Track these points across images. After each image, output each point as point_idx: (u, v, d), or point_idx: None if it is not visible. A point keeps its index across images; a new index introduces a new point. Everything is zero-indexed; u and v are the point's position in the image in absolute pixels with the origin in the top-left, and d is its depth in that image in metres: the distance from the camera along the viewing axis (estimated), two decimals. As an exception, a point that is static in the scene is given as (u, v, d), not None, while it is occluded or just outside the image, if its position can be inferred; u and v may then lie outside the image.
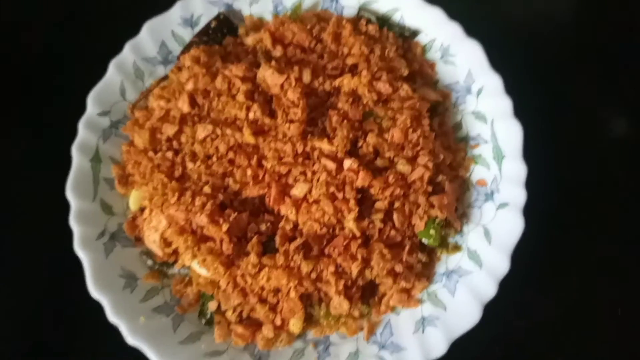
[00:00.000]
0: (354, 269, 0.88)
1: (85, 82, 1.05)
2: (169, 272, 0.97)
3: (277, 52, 1.05)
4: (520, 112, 0.97)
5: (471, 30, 1.04)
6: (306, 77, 0.99)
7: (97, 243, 0.94)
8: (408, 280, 0.92)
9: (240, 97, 0.97)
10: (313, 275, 0.88)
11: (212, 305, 0.92)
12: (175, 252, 0.95)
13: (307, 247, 0.89)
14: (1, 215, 1.12)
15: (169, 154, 0.98)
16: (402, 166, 0.93)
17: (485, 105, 1.02)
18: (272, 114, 0.97)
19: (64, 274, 0.92)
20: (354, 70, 1.03)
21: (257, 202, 0.94)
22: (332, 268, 0.88)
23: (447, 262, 0.96)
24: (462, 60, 1.05)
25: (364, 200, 0.93)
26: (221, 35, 1.11)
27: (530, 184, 0.92)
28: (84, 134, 1.01)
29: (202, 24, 1.12)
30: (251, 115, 0.96)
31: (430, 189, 0.94)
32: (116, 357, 0.89)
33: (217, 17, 1.11)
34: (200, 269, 0.91)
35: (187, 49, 1.09)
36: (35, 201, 1.10)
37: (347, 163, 0.91)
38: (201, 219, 0.89)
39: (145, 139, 0.99)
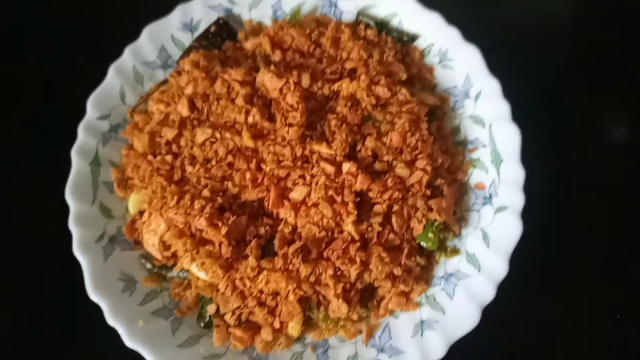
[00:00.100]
0: (353, 272, 0.88)
1: (85, 84, 1.06)
2: (168, 276, 0.97)
3: (276, 56, 1.05)
4: (518, 116, 0.97)
5: (469, 35, 1.04)
6: (305, 81, 0.99)
7: (96, 246, 0.95)
8: (407, 284, 0.92)
9: (240, 101, 0.98)
10: (312, 279, 0.88)
11: (210, 309, 0.92)
12: (174, 256, 0.95)
13: (306, 251, 0.90)
14: (1, 216, 1.13)
15: (168, 158, 0.98)
16: (401, 170, 0.94)
17: (484, 110, 1.02)
18: (271, 118, 0.98)
19: (64, 274, 0.92)
20: (352, 74, 1.04)
21: (256, 206, 0.95)
22: (330, 271, 0.88)
23: (446, 265, 0.96)
24: (460, 65, 1.06)
25: (363, 204, 0.93)
26: (220, 39, 1.11)
27: (529, 188, 0.93)
28: (84, 137, 1.01)
29: (201, 28, 1.12)
30: (250, 119, 0.97)
31: (428, 192, 0.94)
32: (115, 357, 0.89)
33: (216, 22, 1.12)
34: (199, 272, 0.91)
35: (186, 53, 1.10)
36: (36, 201, 1.10)
37: (346, 166, 0.91)
38: (200, 222, 0.89)
39: (144, 142, 0.99)
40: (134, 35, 1.09)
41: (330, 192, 0.90)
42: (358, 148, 0.96)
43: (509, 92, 0.99)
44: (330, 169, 0.91)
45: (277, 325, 0.90)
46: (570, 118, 1.17)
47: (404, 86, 1.02)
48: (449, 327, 0.89)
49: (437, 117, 1.05)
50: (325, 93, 1.01)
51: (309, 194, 0.92)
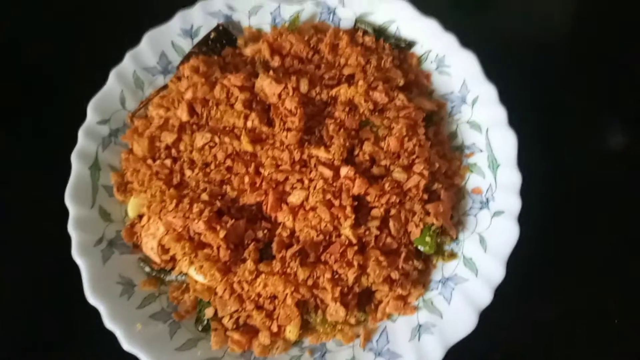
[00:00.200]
0: (350, 275, 0.89)
1: (86, 84, 1.07)
2: (167, 279, 0.97)
3: (275, 62, 1.06)
4: (516, 119, 0.98)
5: (466, 41, 1.05)
6: (303, 86, 1.00)
7: (95, 250, 0.95)
8: (404, 288, 0.92)
9: (239, 106, 0.99)
10: (309, 282, 0.88)
11: (208, 312, 0.92)
12: (173, 259, 0.95)
13: (304, 254, 0.90)
14: (1, 216, 1.13)
15: (168, 162, 0.99)
16: (398, 174, 0.94)
17: (480, 115, 1.03)
18: (270, 123, 0.99)
19: (64, 274, 0.92)
20: (350, 80, 1.05)
21: (255, 209, 0.95)
22: (328, 275, 0.88)
23: (443, 269, 0.96)
24: (457, 71, 1.07)
25: (360, 208, 0.93)
26: (220, 46, 1.12)
27: (528, 189, 0.93)
28: (84, 142, 1.02)
29: (201, 34, 1.13)
30: (249, 124, 0.98)
31: (426, 196, 0.95)
32: (115, 357, 0.89)
33: (216, 28, 1.13)
34: (198, 275, 0.91)
35: (186, 59, 1.10)
36: (36, 202, 1.11)
37: (344, 171, 0.92)
38: (198, 226, 0.89)
39: (144, 146, 1.00)
40: (134, 40, 1.10)
41: (328, 196, 0.91)
42: (356, 153, 0.97)
43: (506, 97, 1.00)
44: (328, 173, 0.92)
45: (274, 328, 0.90)
46: (570, 118, 1.18)
47: (402, 92, 1.03)
48: (446, 331, 0.89)
49: (434, 122, 1.06)
50: (323, 98, 1.02)
51: (307, 198, 0.92)
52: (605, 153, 1.17)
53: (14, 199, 1.15)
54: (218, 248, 0.90)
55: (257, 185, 0.94)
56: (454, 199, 0.99)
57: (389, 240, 0.92)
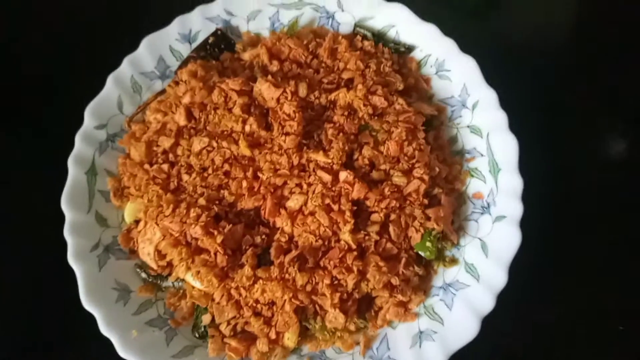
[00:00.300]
0: (350, 281, 0.87)
1: (86, 85, 1.07)
2: (163, 285, 0.96)
3: (274, 66, 1.06)
4: (516, 121, 0.97)
5: (465, 45, 1.05)
6: (302, 90, 1.00)
7: (91, 255, 0.94)
8: (404, 294, 0.91)
9: (237, 111, 0.98)
10: (308, 288, 0.87)
11: (205, 319, 0.90)
12: (170, 265, 0.94)
13: (303, 260, 0.89)
14: (1, 216, 1.13)
15: (165, 167, 0.98)
16: (398, 178, 0.93)
17: (481, 119, 1.02)
18: (268, 127, 0.98)
19: (64, 274, 0.91)
20: (349, 84, 1.04)
21: (253, 214, 0.94)
22: (327, 280, 0.87)
23: (444, 275, 0.95)
24: (457, 75, 1.06)
25: (360, 213, 0.92)
26: (218, 50, 1.12)
27: (528, 189, 0.92)
28: (81, 146, 1.01)
29: (199, 39, 1.13)
30: (247, 128, 0.97)
31: (426, 201, 0.94)
32: (116, 356, 0.88)
33: (214, 33, 1.13)
34: (195, 281, 0.90)
35: (184, 64, 1.10)
36: (36, 202, 1.10)
37: (343, 175, 0.91)
38: (195, 231, 0.88)
39: (141, 151, 0.99)
40: (135, 40, 1.10)
41: (327, 201, 0.90)
42: (355, 157, 0.96)
43: (506, 98, 0.99)
44: (327, 177, 0.91)
45: (273, 335, 0.88)
46: (570, 119, 1.17)
47: (401, 96, 1.02)
48: (447, 338, 0.87)
49: (434, 127, 1.05)
50: (322, 103, 1.01)
51: (305, 203, 0.91)
52: (605, 153, 1.16)
53: (14, 199, 1.14)
54: (215, 253, 0.89)
55: (255, 189, 0.93)
56: (455, 204, 0.98)
57: (389, 245, 0.91)
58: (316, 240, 0.89)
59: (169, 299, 0.95)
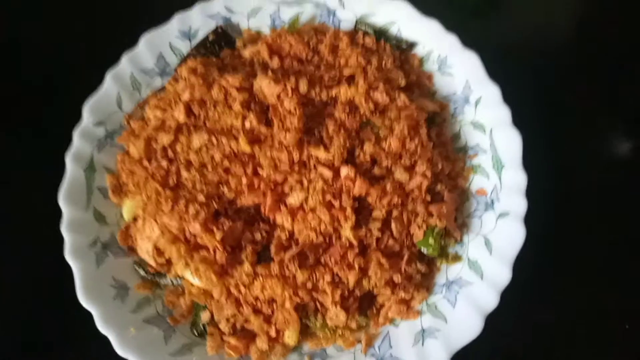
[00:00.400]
0: (351, 278, 0.86)
1: (86, 84, 1.06)
2: (162, 283, 0.95)
3: (274, 63, 1.05)
4: (519, 121, 0.97)
5: (468, 41, 1.04)
6: (303, 86, 0.98)
7: (89, 252, 0.93)
8: (407, 291, 0.89)
9: (237, 107, 0.97)
10: (309, 285, 0.86)
11: (205, 316, 0.89)
12: (169, 262, 0.93)
13: (303, 257, 0.87)
14: (1, 216, 1.12)
15: (164, 163, 0.97)
16: (400, 174, 0.92)
17: (484, 115, 1.01)
18: (268, 124, 0.97)
19: (64, 274, 0.90)
20: (350, 80, 1.03)
21: (252, 211, 0.93)
22: (328, 278, 0.86)
23: (447, 272, 0.93)
24: (459, 71, 1.05)
25: (361, 209, 0.91)
26: (219, 47, 1.11)
27: (529, 189, 0.91)
28: (79, 143, 1.01)
29: (200, 37, 1.12)
30: (247, 124, 0.96)
31: (428, 198, 0.93)
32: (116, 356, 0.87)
33: (215, 30, 1.12)
34: (193, 278, 0.89)
35: (184, 61, 1.09)
36: (36, 202, 1.09)
37: (344, 171, 0.90)
38: (194, 227, 0.87)
39: (140, 148, 0.98)
40: (134, 40, 1.09)
41: (328, 197, 0.89)
42: (356, 153, 0.95)
43: (509, 97, 0.98)
44: (328, 173, 0.90)
45: (273, 333, 0.87)
46: (570, 118, 1.17)
47: (403, 92, 1.01)
48: (450, 336, 0.86)
49: (437, 123, 1.04)
50: (323, 99, 1.00)
51: (306, 199, 0.90)
52: (605, 153, 1.16)
53: (14, 199, 1.14)
54: (214, 250, 0.87)
55: (255, 186, 0.92)
56: (458, 201, 0.97)
57: (391, 242, 0.90)
58: (317, 237, 0.88)
59: (168, 297, 0.94)
